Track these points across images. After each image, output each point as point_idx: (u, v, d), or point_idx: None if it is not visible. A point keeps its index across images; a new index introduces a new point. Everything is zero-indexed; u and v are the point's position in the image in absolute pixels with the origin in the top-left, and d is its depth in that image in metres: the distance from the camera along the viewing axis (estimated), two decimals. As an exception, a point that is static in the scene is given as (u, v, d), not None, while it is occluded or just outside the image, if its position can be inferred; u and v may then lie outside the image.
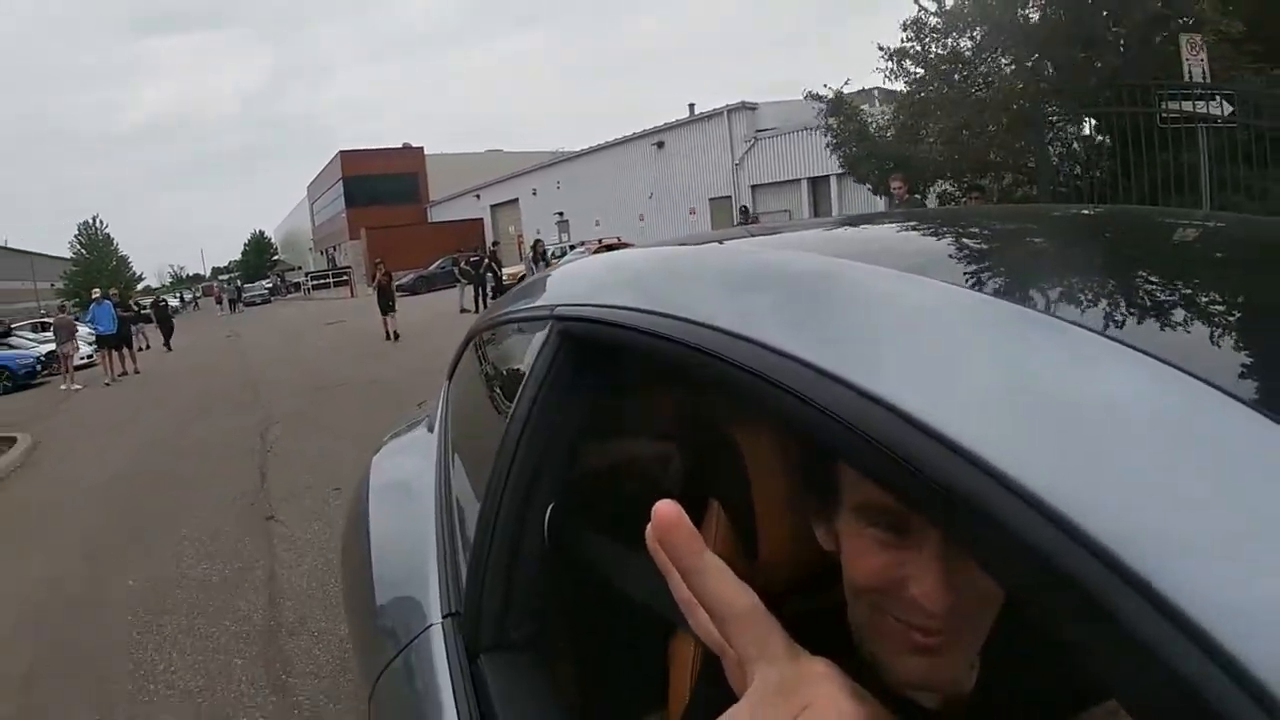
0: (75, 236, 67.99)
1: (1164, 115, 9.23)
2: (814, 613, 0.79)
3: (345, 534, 2.05)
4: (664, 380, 1.41)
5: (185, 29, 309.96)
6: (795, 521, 0.84)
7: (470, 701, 1.02)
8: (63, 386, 16.27)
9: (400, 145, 63.63)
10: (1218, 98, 9.26)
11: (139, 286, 74.26)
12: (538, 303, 1.25)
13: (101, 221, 68.70)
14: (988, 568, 0.48)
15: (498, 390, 1.50)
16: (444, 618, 1.20)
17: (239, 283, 63.52)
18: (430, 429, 2.05)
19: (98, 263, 64.05)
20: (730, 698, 0.45)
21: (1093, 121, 11.39)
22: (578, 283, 1.20)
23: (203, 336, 25.67)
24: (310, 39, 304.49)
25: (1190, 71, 9.39)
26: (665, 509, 0.43)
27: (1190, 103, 9.26)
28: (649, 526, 0.43)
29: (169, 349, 23.27)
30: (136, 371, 17.94)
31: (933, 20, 12.38)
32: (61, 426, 11.64)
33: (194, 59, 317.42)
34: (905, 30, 12.67)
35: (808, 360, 0.61)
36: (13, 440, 10.04)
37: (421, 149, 61.48)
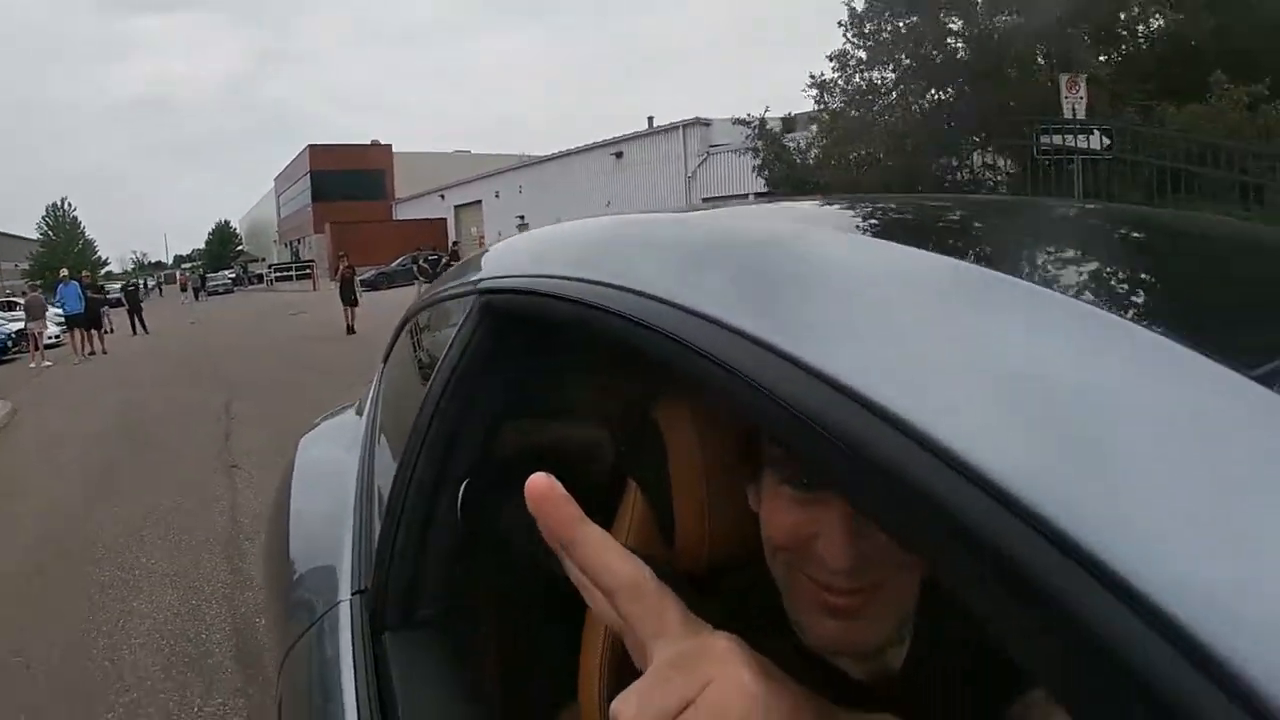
0: (42, 218, 65.82)
1: (1040, 149, 10.06)
2: (753, 587, 0.78)
3: (269, 514, 1.98)
4: (587, 354, 1.39)
5: (164, 9, 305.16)
6: (714, 502, 0.82)
7: (369, 678, 0.98)
8: (32, 365, 16.08)
9: (369, 142, 63.97)
10: (1096, 132, 9.96)
11: (102, 271, 71.38)
12: (465, 279, 1.21)
13: (70, 205, 66.81)
14: (889, 528, 0.46)
15: (421, 369, 1.45)
16: (353, 594, 1.15)
17: (201, 272, 62.33)
18: (360, 413, 1.99)
19: (64, 245, 61.97)
20: (635, 676, 0.44)
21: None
22: (504, 257, 1.16)
23: (168, 323, 25.28)
24: (288, 24, 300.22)
25: (1074, 108, 10.04)
26: (537, 481, 0.42)
27: (1065, 137, 9.99)
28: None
29: (145, 332, 22.36)
30: (104, 352, 17.82)
31: (858, 54, 13.32)
32: (36, 396, 11.99)
33: (169, 40, 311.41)
34: (832, 62, 13.55)
35: (715, 317, 0.59)
36: (-2, 402, 10.86)
37: (389, 146, 60.72)
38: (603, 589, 0.44)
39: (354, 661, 1.03)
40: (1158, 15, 11.40)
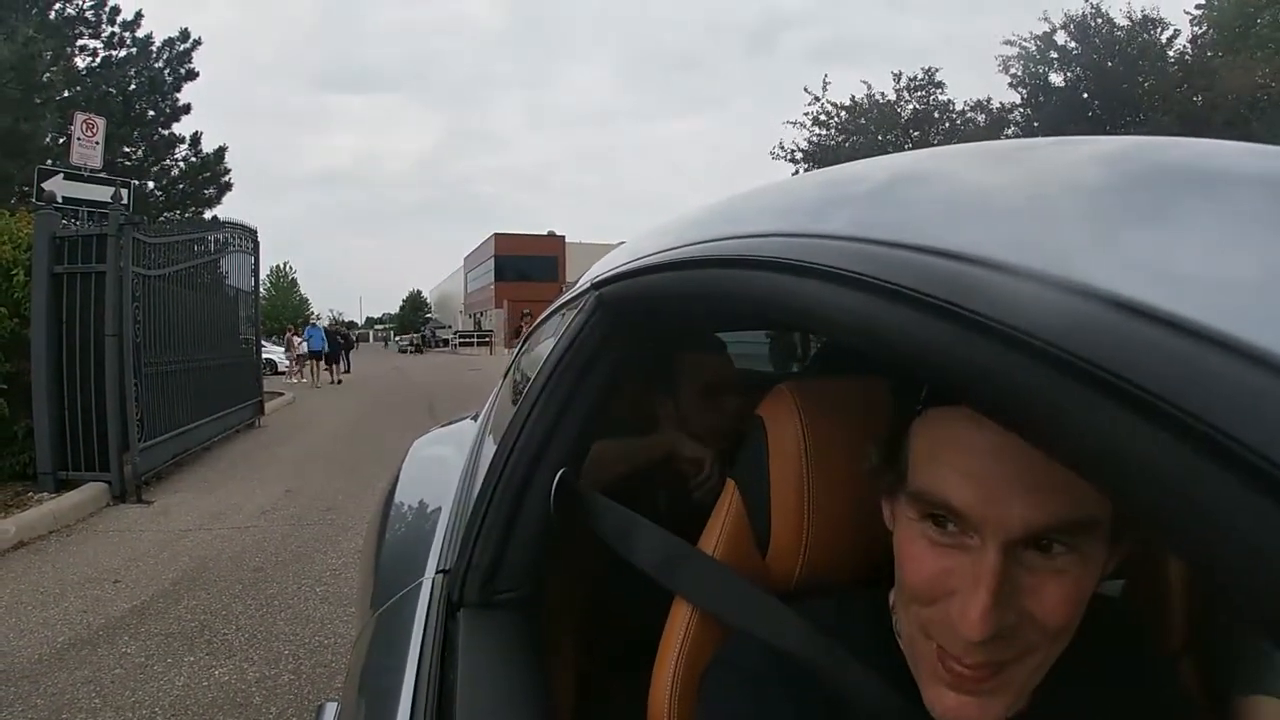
0: (266, 275, 79.38)
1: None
2: (843, 614, 0.70)
3: (375, 507, 2.06)
4: (697, 346, 1.46)
5: (366, 90, 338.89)
6: (816, 512, 0.74)
7: (435, 652, 0.98)
8: (291, 379, 21.92)
9: (546, 233, 72.16)
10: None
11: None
12: (582, 282, 1.23)
13: (291, 267, 79.81)
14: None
15: (530, 371, 1.48)
16: (436, 572, 1.18)
17: (392, 333, 77.46)
18: (474, 420, 2.12)
19: (283, 299, 72.87)
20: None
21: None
22: (616, 254, 1.14)
23: (373, 367, 31.40)
24: (476, 107, 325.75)
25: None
26: None
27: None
28: None
29: (348, 372, 27.56)
30: (338, 381, 23.13)
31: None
32: (301, 394, 17.25)
33: (367, 119, 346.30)
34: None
35: (898, 240, 0.48)
36: (282, 394, 15.81)
37: (563, 238, 68.18)
38: None
39: (425, 631, 1.03)
40: None
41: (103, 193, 7.78)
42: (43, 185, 7.26)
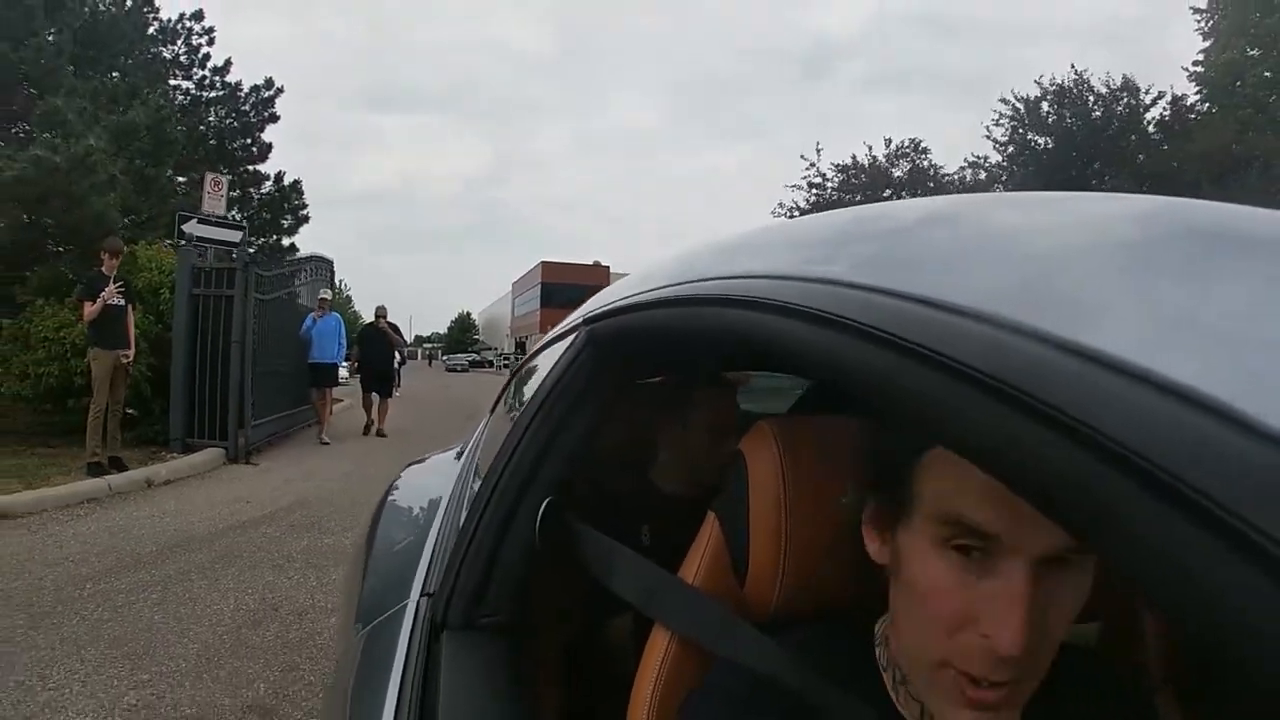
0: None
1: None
2: (822, 643, 0.66)
3: (365, 526, 1.90)
4: (686, 378, 1.38)
5: (415, 111, 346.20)
6: (793, 543, 0.70)
7: (418, 670, 0.92)
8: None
9: (591, 262, 69.20)
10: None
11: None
12: (573, 319, 1.16)
13: (346, 284, 71.49)
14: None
15: (520, 403, 1.40)
16: (421, 595, 1.12)
17: (440, 351, 74.05)
18: (461, 453, 2.01)
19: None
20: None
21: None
22: (608, 292, 1.08)
23: (424, 382, 32.74)
24: (526, 135, 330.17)
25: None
26: None
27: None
28: None
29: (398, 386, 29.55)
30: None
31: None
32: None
33: (416, 138, 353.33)
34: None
35: (906, 293, 0.44)
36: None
37: (607, 267, 67.48)
38: None
39: (408, 653, 0.97)
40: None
41: (227, 234, 9.32)
42: (183, 228, 8.66)
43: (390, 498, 1.90)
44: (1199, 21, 20.84)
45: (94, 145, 8.13)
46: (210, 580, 4.03)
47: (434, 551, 1.27)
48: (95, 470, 6.19)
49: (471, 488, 1.35)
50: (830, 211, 0.79)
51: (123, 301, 6.52)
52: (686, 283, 0.75)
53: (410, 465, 2.31)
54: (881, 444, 0.61)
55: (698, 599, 0.76)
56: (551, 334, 1.39)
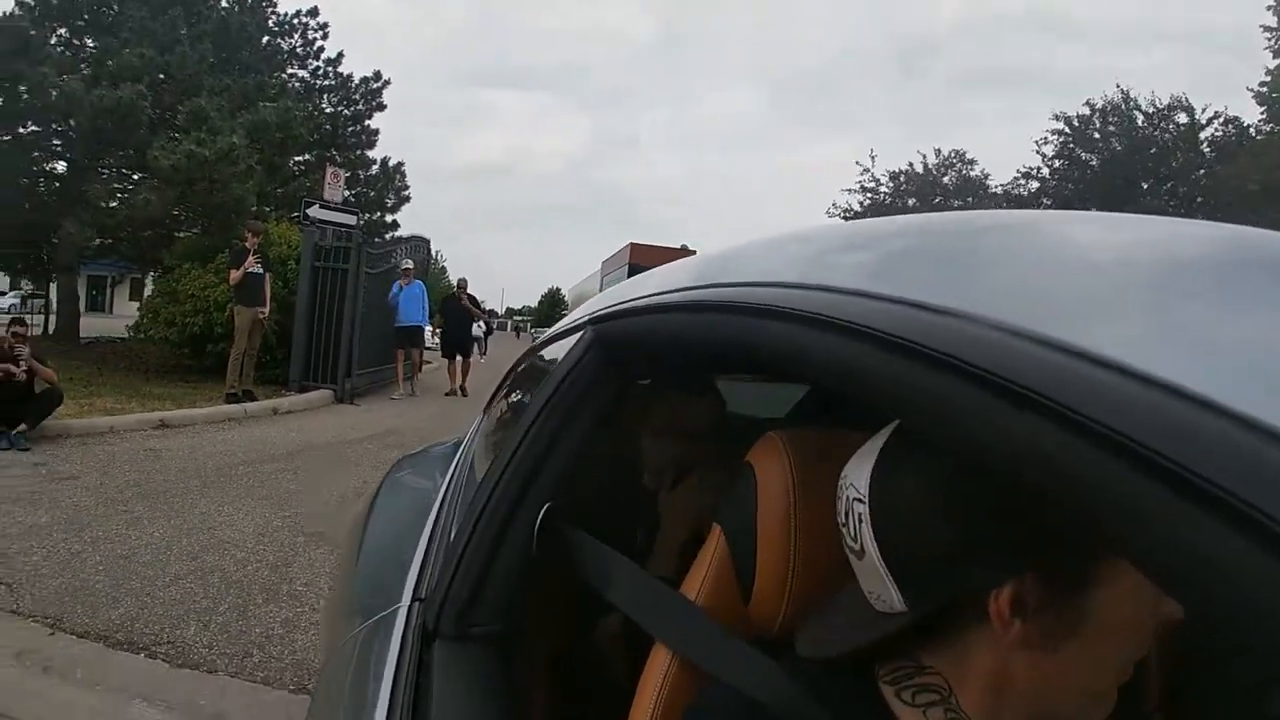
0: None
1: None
2: (824, 676, 0.59)
3: (352, 525, 1.72)
4: (692, 388, 1.24)
5: (520, 87, 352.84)
6: (802, 562, 0.66)
7: (410, 678, 0.85)
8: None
9: (679, 246, 73.69)
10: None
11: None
12: (577, 318, 1.06)
13: (442, 255, 73.20)
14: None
15: (518, 403, 1.30)
16: (412, 600, 1.05)
17: (528, 324, 75.19)
18: (455, 448, 1.84)
19: (433, 285, 78.56)
20: None
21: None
22: (615, 293, 0.99)
23: (512, 349, 34.15)
24: (625, 119, 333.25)
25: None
26: None
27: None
28: None
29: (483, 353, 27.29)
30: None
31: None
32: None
33: (520, 115, 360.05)
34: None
35: (976, 314, 0.40)
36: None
37: (694, 253, 72.25)
38: None
39: (398, 661, 0.90)
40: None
41: (345, 218, 10.34)
42: (307, 212, 9.79)
43: (382, 492, 1.80)
44: (1270, 40, 19.15)
45: (235, 142, 9.33)
46: (328, 470, 5.19)
47: (427, 552, 1.17)
48: (233, 399, 7.30)
49: (467, 487, 1.26)
50: (809, 228, 0.75)
51: (261, 270, 7.71)
52: (693, 288, 0.70)
53: (404, 458, 2.21)
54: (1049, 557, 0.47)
55: (697, 616, 0.69)
56: (554, 330, 1.30)
